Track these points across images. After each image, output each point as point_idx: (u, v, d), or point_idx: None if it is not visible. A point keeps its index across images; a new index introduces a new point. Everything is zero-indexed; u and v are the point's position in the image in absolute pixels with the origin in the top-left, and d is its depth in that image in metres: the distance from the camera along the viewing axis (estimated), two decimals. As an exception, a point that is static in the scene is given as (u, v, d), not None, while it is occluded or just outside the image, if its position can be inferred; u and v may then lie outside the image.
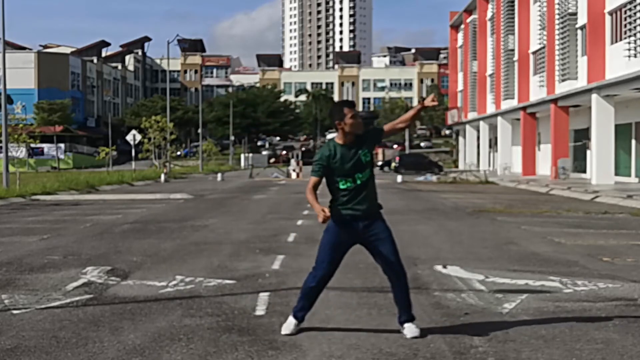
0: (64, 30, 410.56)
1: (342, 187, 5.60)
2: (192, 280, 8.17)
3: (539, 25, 41.83)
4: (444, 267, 9.09)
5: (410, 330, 5.64)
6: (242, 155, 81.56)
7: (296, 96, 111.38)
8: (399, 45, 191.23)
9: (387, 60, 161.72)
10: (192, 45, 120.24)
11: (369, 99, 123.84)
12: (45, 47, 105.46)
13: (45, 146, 71.71)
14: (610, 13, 32.54)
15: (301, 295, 5.82)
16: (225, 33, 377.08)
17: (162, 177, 40.87)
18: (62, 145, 75.28)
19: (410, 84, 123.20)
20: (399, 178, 39.41)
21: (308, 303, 5.79)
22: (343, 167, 5.55)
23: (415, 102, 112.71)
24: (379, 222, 5.71)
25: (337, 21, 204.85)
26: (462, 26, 63.41)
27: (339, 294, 7.35)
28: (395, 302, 5.82)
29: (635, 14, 29.53)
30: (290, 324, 5.77)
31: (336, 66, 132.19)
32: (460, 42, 66.00)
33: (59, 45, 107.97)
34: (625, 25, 30.52)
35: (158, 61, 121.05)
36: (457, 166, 63.92)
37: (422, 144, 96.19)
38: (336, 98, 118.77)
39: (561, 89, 36.79)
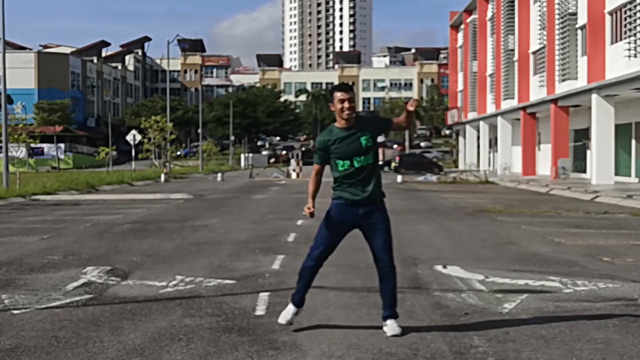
0: (64, 30, 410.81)
1: (340, 169, 5.65)
2: (192, 280, 8.17)
3: (539, 25, 41.83)
4: (444, 267, 9.09)
5: (391, 328, 5.65)
6: (242, 155, 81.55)
7: (296, 96, 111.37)
8: (399, 45, 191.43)
9: (387, 60, 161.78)
10: (192, 45, 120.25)
11: (369, 99, 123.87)
12: (45, 47, 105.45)
13: (45, 146, 71.71)
14: (610, 13, 32.54)
15: (298, 278, 5.87)
16: (225, 33, 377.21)
17: (162, 177, 40.87)
18: (62, 145, 75.27)
19: (410, 84, 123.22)
20: (399, 178, 39.42)
21: (304, 284, 5.80)
22: (341, 150, 5.59)
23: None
24: (379, 211, 5.69)
25: (337, 21, 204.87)
26: (462, 26, 63.41)
27: (339, 294, 7.35)
28: (380, 296, 5.82)
29: (635, 14, 29.53)
30: (288, 312, 5.80)
31: (336, 66, 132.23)
32: (460, 42, 65.99)
33: (59, 45, 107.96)
34: (625, 25, 30.52)
35: (158, 61, 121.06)
36: (457, 166, 63.92)
37: (422, 144, 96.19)
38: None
39: (561, 89, 36.79)
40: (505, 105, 48.15)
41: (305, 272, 5.83)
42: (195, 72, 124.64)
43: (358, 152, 5.58)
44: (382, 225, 5.67)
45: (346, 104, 5.56)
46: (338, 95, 5.58)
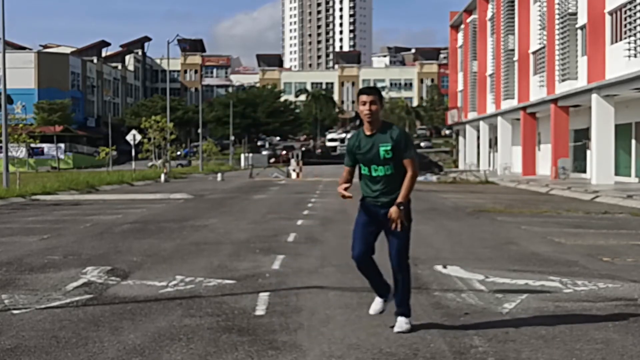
0: (64, 30, 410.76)
1: (362, 172, 5.75)
2: (192, 280, 8.17)
3: (539, 25, 41.83)
4: (444, 267, 9.09)
5: (398, 324, 5.76)
6: (242, 155, 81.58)
7: (296, 96, 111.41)
8: (399, 45, 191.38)
9: (387, 60, 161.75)
10: (192, 45, 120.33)
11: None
12: (45, 47, 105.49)
13: (45, 146, 71.75)
14: (610, 13, 32.54)
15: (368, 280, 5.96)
16: (225, 33, 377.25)
17: (162, 177, 40.89)
18: (62, 145, 75.32)
19: (410, 84, 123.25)
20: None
21: (374, 281, 5.91)
22: (362, 156, 5.66)
23: (415, 102, 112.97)
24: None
25: (337, 21, 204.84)
26: (462, 26, 63.40)
27: (339, 294, 7.35)
28: (394, 293, 5.90)
29: (635, 14, 29.53)
30: (377, 303, 5.92)
31: (336, 66, 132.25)
32: (460, 42, 65.99)
33: (59, 45, 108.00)
34: (625, 25, 30.52)
35: (158, 61, 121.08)
36: (457, 166, 63.92)
37: (422, 144, 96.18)
38: (336, 98, 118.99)
39: (561, 89, 36.79)
40: (505, 105, 48.15)
41: (362, 272, 5.94)
42: (195, 72, 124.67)
43: (375, 161, 5.61)
44: (397, 230, 5.67)
45: (367, 106, 5.57)
46: (362, 97, 5.62)
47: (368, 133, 5.64)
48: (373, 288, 5.96)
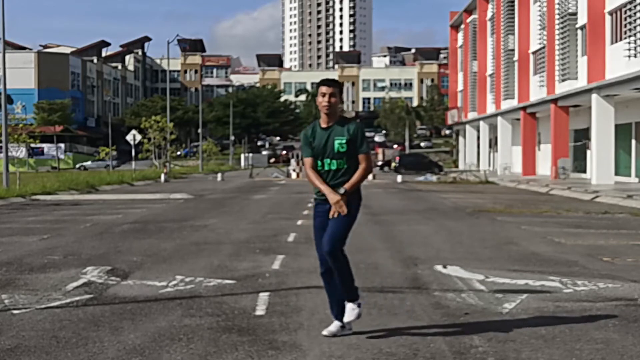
0: (64, 30, 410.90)
1: (317, 166, 5.57)
2: (192, 280, 8.17)
3: (539, 25, 41.84)
4: (444, 267, 9.09)
5: (347, 312, 5.54)
6: (242, 155, 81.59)
7: (296, 96, 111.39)
8: (399, 45, 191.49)
9: (387, 60, 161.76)
10: (192, 45, 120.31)
11: (369, 99, 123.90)
12: (45, 47, 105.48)
13: (45, 146, 71.76)
14: (610, 13, 32.55)
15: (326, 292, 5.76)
16: (225, 33, 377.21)
17: (162, 177, 40.89)
18: (62, 145, 75.31)
19: (410, 84, 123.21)
20: (399, 178, 39.43)
21: (328, 293, 5.70)
22: (316, 148, 5.51)
23: (415, 102, 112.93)
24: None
25: (337, 21, 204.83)
26: (462, 26, 63.42)
27: (339, 294, 7.34)
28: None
29: (635, 14, 29.54)
30: (334, 326, 5.69)
31: (336, 66, 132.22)
32: (460, 42, 66.01)
33: (59, 45, 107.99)
34: (625, 25, 30.53)
35: (158, 61, 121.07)
36: (457, 166, 63.93)
37: (422, 144, 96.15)
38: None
39: (561, 89, 36.80)
40: (505, 105, 48.16)
41: (324, 281, 5.70)
42: (195, 72, 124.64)
43: (328, 154, 5.47)
44: (338, 216, 5.41)
45: (326, 98, 5.45)
46: (321, 89, 5.50)
47: (324, 125, 5.51)
48: (332, 311, 5.72)
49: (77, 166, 57.02)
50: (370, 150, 5.62)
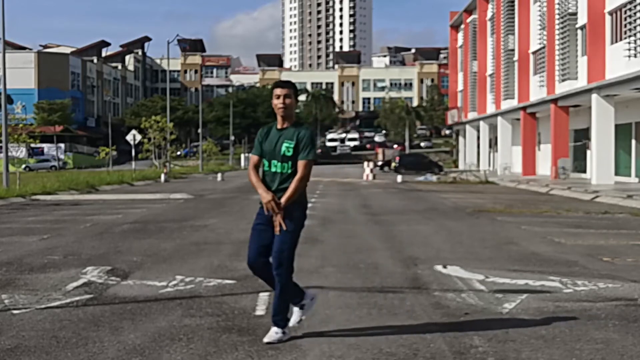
0: (64, 30, 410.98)
1: (264, 168, 5.51)
2: (192, 280, 8.17)
3: (539, 25, 41.84)
4: (444, 267, 9.09)
5: (269, 334, 5.50)
6: (242, 155, 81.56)
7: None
8: (399, 45, 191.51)
9: (387, 60, 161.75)
10: (192, 45, 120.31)
11: (369, 99, 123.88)
12: (45, 47, 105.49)
13: (45, 146, 71.71)
14: (610, 13, 32.55)
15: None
16: (225, 33, 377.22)
17: (162, 177, 40.88)
18: (62, 145, 75.30)
19: (410, 84, 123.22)
20: (399, 178, 39.43)
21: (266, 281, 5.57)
22: (266, 148, 5.47)
23: (415, 102, 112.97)
24: (286, 218, 5.35)
25: (337, 21, 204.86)
26: (462, 26, 63.43)
27: (339, 294, 7.35)
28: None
29: (635, 14, 29.54)
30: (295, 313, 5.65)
31: (336, 66, 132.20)
32: (460, 42, 66.02)
33: (59, 45, 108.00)
34: (625, 25, 30.53)
35: (158, 61, 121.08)
36: (457, 166, 63.92)
37: (422, 144, 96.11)
38: (336, 98, 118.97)
39: (561, 89, 36.80)
40: (505, 105, 48.16)
41: (260, 277, 5.57)
42: (195, 72, 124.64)
43: (276, 156, 5.41)
44: (282, 232, 5.34)
45: (281, 100, 5.42)
46: (276, 91, 5.46)
47: (279, 127, 5.49)
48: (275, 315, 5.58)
49: (23, 167, 54.86)
50: (315, 159, 5.46)
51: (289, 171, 5.37)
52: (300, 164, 5.35)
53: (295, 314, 5.64)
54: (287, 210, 5.32)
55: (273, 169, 5.42)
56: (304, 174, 5.35)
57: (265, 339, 5.46)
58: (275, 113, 5.47)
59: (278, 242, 5.32)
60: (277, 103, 5.43)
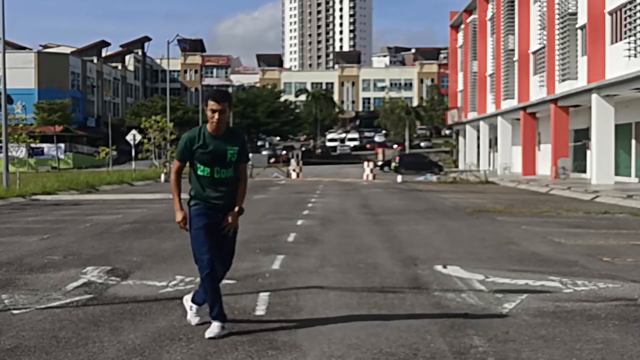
0: (64, 30, 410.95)
1: (199, 173, 5.64)
2: (192, 280, 8.16)
3: (539, 25, 41.84)
4: (444, 267, 9.09)
5: (211, 329, 5.63)
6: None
7: (296, 96, 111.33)
8: (399, 45, 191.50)
9: (387, 60, 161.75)
10: (192, 45, 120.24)
11: (369, 99, 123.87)
12: (45, 47, 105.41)
13: (45, 146, 71.65)
14: (610, 13, 32.55)
15: (205, 290, 5.73)
16: (225, 33, 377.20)
17: (162, 177, 40.88)
18: (62, 145, 75.25)
19: (410, 84, 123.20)
20: (399, 178, 39.43)
21: (211, 295, 5.67)
22: (204, 155, 5.56)
23: (415, 102, 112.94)
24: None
25: (337, 21, 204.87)
26: (462, 26, 63.42)
27: (339, 294, 7.35)
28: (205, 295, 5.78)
29: (635, 14, 29.54)
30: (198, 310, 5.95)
31: (336, 66, 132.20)
32: (460, 42, 66.01)
33: (59, 45, 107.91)
34: (625, 25, 30.53)
35: (158, 61, 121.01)
36: (457, 166, 63.92)
37: (422, 144, 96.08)
38: (336, 98, 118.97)
39: (561, 89, 36.80)
40: (505, 105, 48.16)
41: (206, 282, 5.70)
42: (195, 72, 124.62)
43: (221, 163, 5.57)
44: (232, 233, 5.81)
45: (217, 115, 5.52)
46: (211, 104, 5.52)
47: (214, 133, 5.58)
48: (209, 297, 5.71)
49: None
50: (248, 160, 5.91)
51: (231, 175, 5.64)
52: (243, 168, 5.76)
53: (193, 310, 5.96)
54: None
55: (217, 175, 5.61)
56: (246, 176, 5.82)
57: (208, 334, 5.61)
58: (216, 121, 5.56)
59: (228, 244, 5.90)
60: (212, 117, 5.56)
